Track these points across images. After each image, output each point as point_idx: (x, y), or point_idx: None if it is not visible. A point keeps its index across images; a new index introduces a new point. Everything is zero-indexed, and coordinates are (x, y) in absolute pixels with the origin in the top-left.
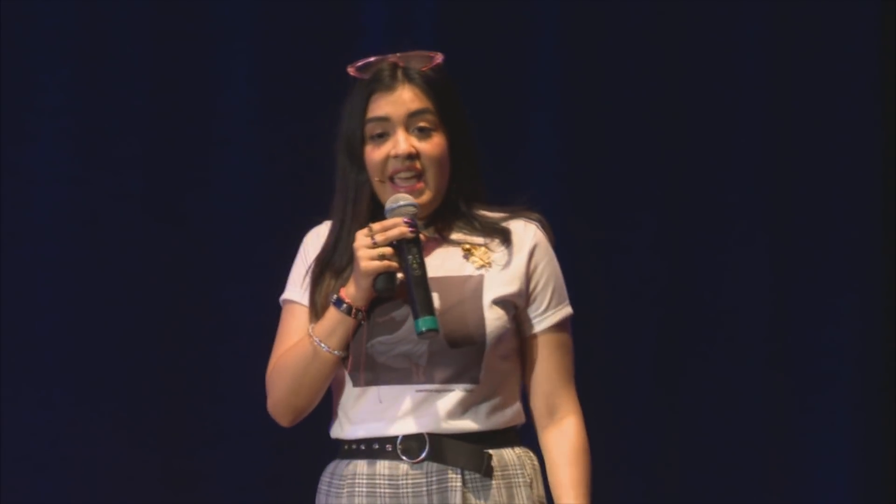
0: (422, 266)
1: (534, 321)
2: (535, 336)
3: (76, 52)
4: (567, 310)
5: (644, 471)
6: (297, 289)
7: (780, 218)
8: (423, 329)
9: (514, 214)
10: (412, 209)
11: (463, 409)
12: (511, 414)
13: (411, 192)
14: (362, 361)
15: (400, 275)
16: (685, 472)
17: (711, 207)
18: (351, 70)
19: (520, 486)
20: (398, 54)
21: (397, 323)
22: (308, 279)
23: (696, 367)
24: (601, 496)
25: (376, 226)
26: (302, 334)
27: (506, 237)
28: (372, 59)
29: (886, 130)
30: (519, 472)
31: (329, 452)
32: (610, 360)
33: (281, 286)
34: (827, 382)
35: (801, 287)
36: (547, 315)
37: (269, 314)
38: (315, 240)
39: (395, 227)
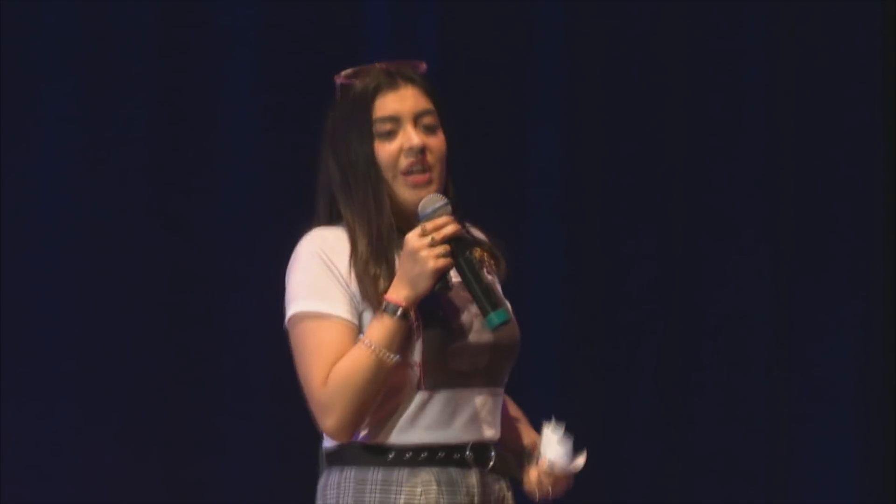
0: (481, 261)
1: None
2: None
3: (79, 61)
4: None
5: (647, 479)
6: (332, 301)
7: (783, 226)
8: (498, 322)
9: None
10: (449, 207)
11: (498, 412)
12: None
13: (422, 185)
14: (435, 365)
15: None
16: (688, 481)
17: (714, 216)
18: (339, 78)
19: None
20: (385, 62)
21: (467, 327)
22: (352, 289)
23: (698, 376)
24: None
25: (429, 225)
26: (347, 348)
27: (489, 243)
28: (361, 67)
29: (890, 139)
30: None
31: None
32: (612, 369)
33: (283, 295)
34: (830, 391)
35: (804, 296)
36: None
37: (273, 323)
38: (332, 247)
39: (448, 224)
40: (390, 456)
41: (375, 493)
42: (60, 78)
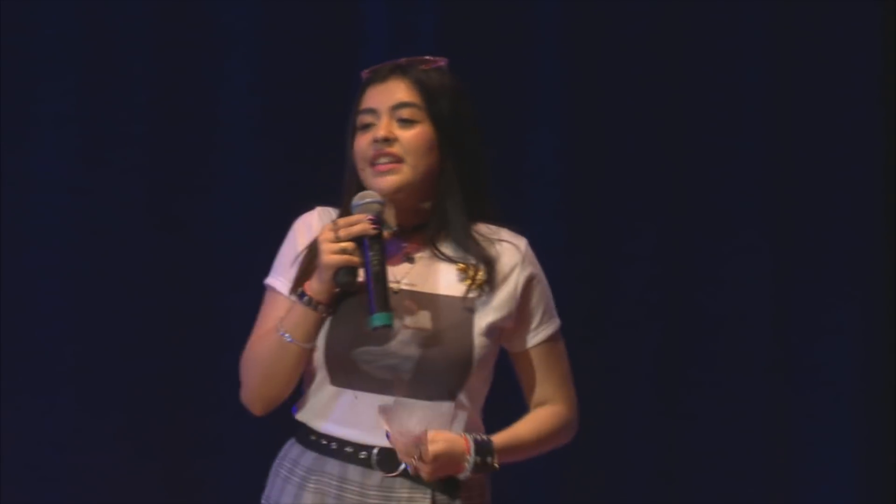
0: (381, 263)
1: (526, 338)
2: (527, 352)
3: (78, 60)
4: (556, 323)
5: (646, 478)
6: (281, 277)
7: (783, 225)
8: (378, 325)
9: (503, 236)
10: (377, 206)
11: (437, 423)
12: (475, 427)
13: (385, 171)
14: (342, 363)
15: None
16: (687, 480)
17: (713, 215)
18: (364, 74)
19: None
20: (407, 58)
21: (385, 337)
22: (295, 268)
23: (697, 376)
24: (603, 502)
25: (341, 221)
26: (274, 324)
27: (497, 258)
28: (384, 63)
29: (888, 138)
30: (476, 491)
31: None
32: (611, 369)
33: None
34: (828, 390)
35: (802, 295)
36: (539, 332)
37: None
38: (306, 229)
39: (359, 223)
40: (311, 437)
41: (283, 465)
42: (59, 77)
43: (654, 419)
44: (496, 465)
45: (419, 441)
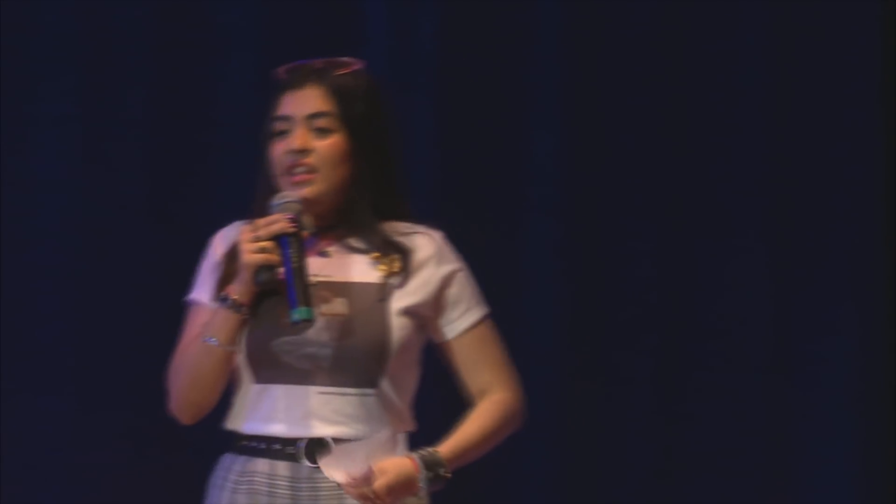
0: (301, 260)
1: (450, 327)
2: (454, 341)
3: (79, 59)
4: (483, 310)
5: (645, 478)
6: (202, 289)
7: (782, 225)
8: (298, 319)
9: (418, 229)
10: (295, 206)
11: (363, 413)
12: (405, 420)
13: (301, 182)
14: (264, 358)
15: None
16: (686, 480)
17: (713, 215)
18: (279, 73)
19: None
20: (319, 60)
21: (307, 326)
22: (214, 277)
23: (696, 375)
24: (602, 503)
25: (260, 221)
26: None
27: (412, 249)
28: (296, 64)
29: (888, 138)
30: None
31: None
32: (610, 369)
33: None
34: (829, 390)
35: (801, 296)
36: (463, 319)
37: None
38: (221, 241)
39: (277, 222)
40: (241, 443)
41: (218, 476)
42: (60, 76)
43: (654, 419)
44: (448, 475)
45: (368, 480)
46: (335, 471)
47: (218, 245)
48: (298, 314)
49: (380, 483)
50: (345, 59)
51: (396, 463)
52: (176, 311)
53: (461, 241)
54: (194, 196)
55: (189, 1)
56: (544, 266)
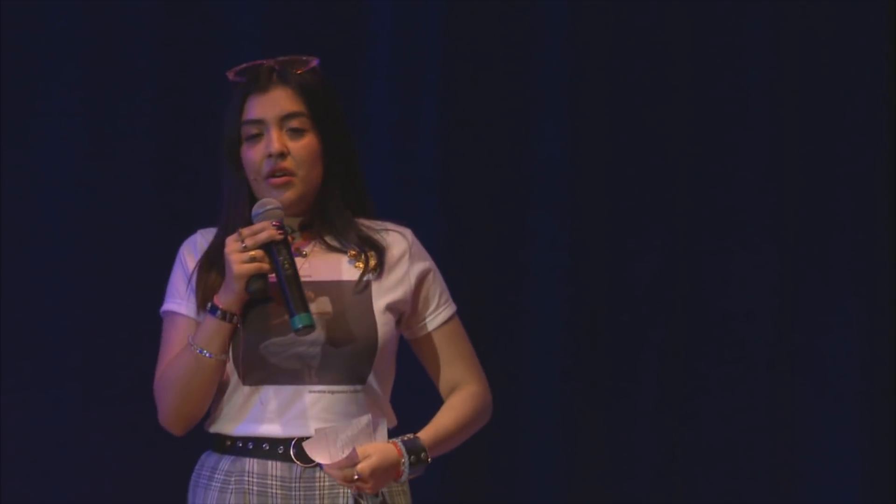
0: (293, 266)
1: (426, 322)
2: (429, 336)
3: (83, 56)
4: (454, 306)
5: (650, 474)
6: (178, 300)
7: (787, 223)
8: (300, 326)
9: (388, 226)
10: (279, 212)
11: (353, 410)
12: (389, 414)
13: (281, 185)
14: (253, 361)
15: (272, 276)
16: (692, 476)
17: (718, 212)
18: (230, 75)
19: (399, 494)
20: (274, 59)
21: (289, 327)
22: (191, 286)
23: (702, 371)
24: (608, 499)
25: (245, 230)
26: (185, 344)
27: (385, 245)
28: (249, 63)
29: (893, 136)
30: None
31: None
32: (616, 364)
33: None
34: (833, 387)
35: (808, 291)
36: (438, 314)
37: None
38: (191, 249)
39: (264, 230)
40: (226, 444)
41: (202, 475)
42: (63, 73)
43: (660, 416)
44: (429, 460)
45: (351, 462)
46: (318, 453)
47: (187, 255)
48: (300, 321)
49: (363, 465)
50: (301, 56)
51: (380, 447)
52: None
53: (466, 239)
54: (198, 192)
55: None
56: (550, 263)
